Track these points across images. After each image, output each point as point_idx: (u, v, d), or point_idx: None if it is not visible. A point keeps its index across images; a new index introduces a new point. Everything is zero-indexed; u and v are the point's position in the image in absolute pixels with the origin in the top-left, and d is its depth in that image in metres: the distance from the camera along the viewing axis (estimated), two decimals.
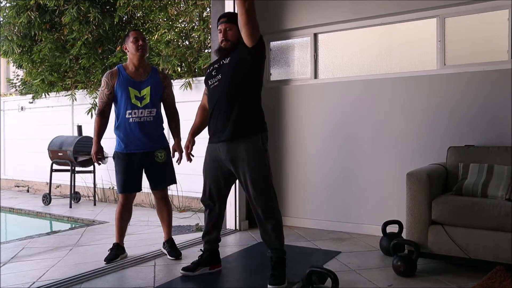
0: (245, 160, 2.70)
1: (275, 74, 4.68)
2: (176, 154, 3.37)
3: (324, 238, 3.95)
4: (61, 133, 6.99)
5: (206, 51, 5.98)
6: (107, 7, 6.72)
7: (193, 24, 6.25)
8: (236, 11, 2.72)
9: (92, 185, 6.45)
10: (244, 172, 2.72)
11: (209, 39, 5.66)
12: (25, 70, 7.90)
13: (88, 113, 6.70)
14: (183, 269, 2.98)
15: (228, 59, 2.78)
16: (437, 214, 2.94)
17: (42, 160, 7.13)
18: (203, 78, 3.28)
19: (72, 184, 6.27)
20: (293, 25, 4.44)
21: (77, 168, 6.30)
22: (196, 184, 4.71)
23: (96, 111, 3.40)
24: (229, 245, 3.77)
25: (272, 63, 4.68)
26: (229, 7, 4.17)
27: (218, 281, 2.92)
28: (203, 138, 3.03)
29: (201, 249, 3.07)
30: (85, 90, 7.01)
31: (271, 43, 4.66)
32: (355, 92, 4.15)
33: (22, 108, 8.20)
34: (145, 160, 3.32)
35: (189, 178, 5.14)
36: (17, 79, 8.48)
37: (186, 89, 5.76)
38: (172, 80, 5.04)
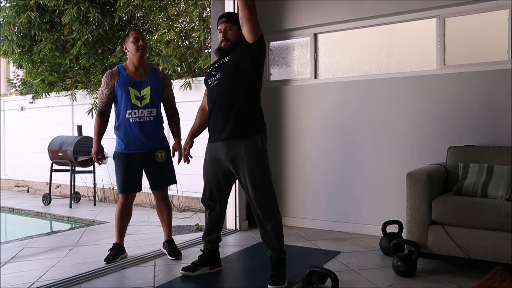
0: (245, 160, 2.70)
1: (275, 74, 4.68)
2: (176, 154, 3.36)
3: (324, 238, 3.95)
4: (61, 133, 6.99)
5: (206, 51, 5.98)
6: (107, 7, 6.72)
7: (193, 24, 6.25)
8: (237, 9, 2.72)
9: (92, 185, 6.45)
10: (244, 172, 2.72)
11: (209, 39, 5.66)
12: (25, 70, 7.91)
13: (88, 113, 6.71)
14: (183, 269, 2.98)
15: (228, 58, 2.79)
16: (437, 214, 2.94)
17: (42, 160, 7.13)
18: (203, 78, 3.28)
19: (72, 184, 6.28)
20: (293, 25, 4.44)
21: (77, 168, 6.30)
22: (196, 184, 4.71)
23: (96, 111, 3.40)
24: (229, 245, 3.77)
25: (272, 63, 4.68)
26: (229, 7, 4.17)
27: (218, 281, 2.92)
28: (203, 138, 3.03)
29: (201, 249, 3.07)
30: (85, 90, 7.01)
31: (271, 43, 4.66)
32: (355, 92, 4.15)
33: (22, 108, 8.21)
34: (145, 160, 3.32)
35: (189, 178, 5.14)
36: (17, 79, 8.48)
37: (186, 89, 5.76)
38: (172, 80, 5.04)
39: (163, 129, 3.42)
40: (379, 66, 4.11)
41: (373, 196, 4.04)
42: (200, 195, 3.03)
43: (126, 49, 3.34)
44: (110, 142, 3.56)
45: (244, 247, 3.71)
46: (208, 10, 6.06)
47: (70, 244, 4.00)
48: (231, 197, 4.13)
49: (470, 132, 3.60)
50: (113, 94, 3.28)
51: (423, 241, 2.96)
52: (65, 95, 7.27)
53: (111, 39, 6.91)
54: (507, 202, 2.80)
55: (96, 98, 6.52)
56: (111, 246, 3.41)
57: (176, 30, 6.20)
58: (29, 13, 6.88)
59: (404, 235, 3.18)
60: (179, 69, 6.12)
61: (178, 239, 3.80)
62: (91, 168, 6.36)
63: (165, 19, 6.50)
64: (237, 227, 4.28)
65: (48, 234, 4.55)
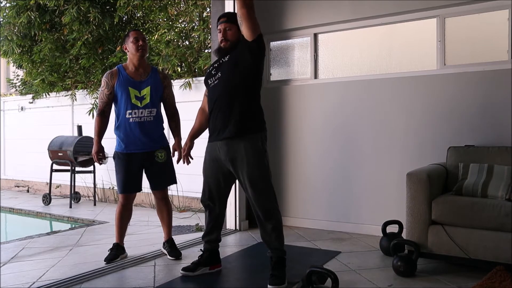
0: (245, 160, 2.70)
1: (275, 74, 4.68)
2: (176, 154, 3.36)
3: (324, 238, 3.95)
4: (61, 133, 6.99)
5: (206, 51, 5.98)
6: (107, 7, 6.72)
7: (193, 24, 6.25)
8: (235, 9, 2.73)
9: (92, 185, 6.45)
10: (244, 172, 2.72)
11: (209, 39, 5.66)
12: (25, 70, 7.91)
13: (89, 114, 6.71)
14: (183, 269, 2.98)
15: (227, 57, 2.79)
16: (437, 214, 2.94)
17: (42, 160, 7.13)
18: (203, 78, 3.28)
19: (72, 184, 6.28)
20: (293, 25, 4.44)
21: (77, 168, 6.30)
22: (196, 184, 4.71)
23: (96, 111, 3.40)
24: (229, 245, 3.77)
25: (272, 63, 4.68)
26: (229, 7, 4.17)
27: (218, 281, 2.92)
28: (203, 138, 3.03)
29: (201, 249, 3.07)
30: (85, 90, 7.01)
31: (271, 43, 4.66)
32: (355, 92, 4.15)
33: (22, 108, 8.21)
34: (145, 160, 3.32)
35: (189, 178, 5.14)
36: (17, 79, 8.48)
37: (186, 89, 5.76)
38: (172, 80, 5.04)
39: (163, 129, 3.42)
40: (379, 66, 4.11)
41: (373, 196, 4.04)
42: (200, 195, 3.03)
43: (126, 49, 3.34)
44: (110, 142, 3.56)
45: (244, 247, 3.71)
46: (208, 10, 6.06)
47: (70, 244, 4.00)
48: (231, 197, 4.13)
49: (470, 132, 3.60)
50: (113, 94, 3.28)
51: (423, 241, 2.96)
52: (65, 95, 7.28)
53: (111, 39, 6.91)
54: (507, 202, 2.80)
55: (96, 98, 6.52)
56: (111, 246, 3.41)
57: (176, 30, 6.20)
58: (29, 13, 6.89)
59: (404, 235, 3.18)
60: (179, 69, 6.12)
61: (178, 239, 3.80)
62: (91, 168, 6.36)
63: (165, 19, 6.50)
64: (237, 227, 4.28)
65: (48, 234, 4.55)
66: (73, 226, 5.17)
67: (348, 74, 4.25)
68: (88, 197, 6.80)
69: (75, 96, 7.14)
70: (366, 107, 4.09)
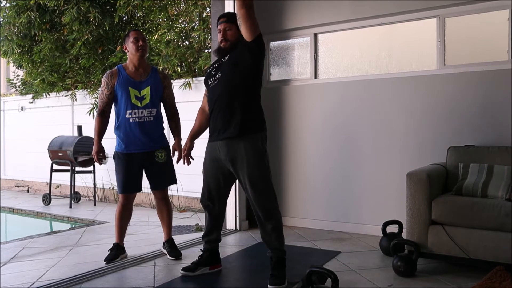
0: (245, 160, 2.70)
1: (275, 74, 4.68)
2: (176, 154, 3.36)
3: (324, 238, 3.95)
4: (61, 133, 6.99)
5: (206, 51, 5.98)
6: (107, 7, 6.72)
7: (193, 24, 6.25)
8: (235, 9, 2.73)
9: (92, 185, 6.45)
10: (244, 172, 2.72)
11: (209, 39, 5.66)
12: (25, 70, 7.91)
13: (89, 113, 6.71)
14: (183, 269, 2.98)
15: (227, 58, 2.79)
16: (437, 214, 2.94)
17: (42, 160, 7.13)
18: (203, 78, 3.28)
19: (72, 184, 6.27)
20: (293, 25, 4.44)
21: (77, 168, 6.30)
22: (196, 184, 4.70)
23: (96, 111, 3.40)
24: (229, 245, 3.77)
25: (272, 63, 4.68)
26: (229, 7, 4.17)
27: (218, 281, 2.92)
28: (203, 138, 3.03)
29: (201, 249, 3.07)
30: (85, 90, 7.01)
31: (271, 43, 4.66)
32: (355, 92, 4.15)
33: (22, 108, 8.21)
34: (145, 160, 3.32)
35: (189, 178, 5.13)
36: (17, 79, 8.48)
37: (186, 89, 5.76)
38: (172, 80, 5.04)
39: (163, 129, 3.42)
40: (379, 66, 4.11)
41: (373, 196, 4.04)
42: (200, 195, 3.03)
43: (126, 49, 3.34)
44: (110, 142, 3.56)
45: (244, 247, 3.71)
46: (208, 10, 6.06)
47: (70, 244, 4.00)
48: (231, 197, 4.14)
49: (470, 132, 3.60)
50: (113, 94, 3.28)
51: (423, 241, 2.96)
52: (65, 95, 7.27)
53: (111, 39, 6.91)
54: (507, 202, 2.80)
55: (96, 98, 6.51)
56: (111, 246, 3.41)
57: (176, 30, 6.20)
58: (29, 13, 6.88)
59: (404, 235, 3.18)
60: (179, 69, 6.12)
61: (178, 239, 3.80)
62: (91, 168, 6.36)
63: (165, 19, 6.50)
64: (237, 227, 4.28)
65: (48, 234, 4.55)
66: (73, 226, 5.17)
67: (348, 74, 4.25)
68: (88, 197, 6.81)
69: (75, 96, 7.14)
70: (366, 107, 4.09)
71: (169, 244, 3.45)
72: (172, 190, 5.36)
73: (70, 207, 6.13)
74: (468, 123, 3.62)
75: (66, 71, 7.30)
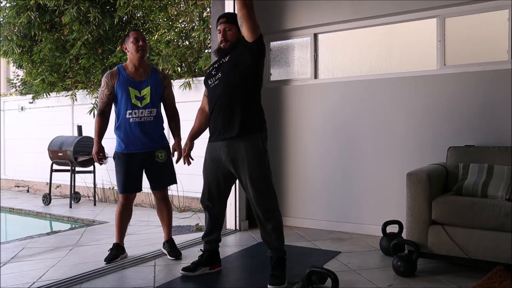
0: (245, 160, 2.70)
1: (275, 74, 4.68)
2: (176, 154, 3.36)
3: (324, 238, 3.95)
4: (61, 133, 6.99)
5: (206, 51, 5.98)
6: (107, 7, 6.72)
7: (193, 24, 6.25)
8: (235, 10, 2.73)
9: (92, 185, 6.45)
10: (244, 172, 2.72)
11: (209, 39, 5.66)
12: (25, 70, 7.91)
13: (90, 113, 6.71)
14: (183, 269, 2.98)
15: (227, 58, 2.79)
16: (437, 214, 2.94)
17: (42, 160, 7.13)
18: (203, 78, 3.28)
19: (72, 184, 6.28)
20: (293, 25, 4.44)
21: (77, 168, 6.30)
22: (196, 184, 4.71)
23: (96, 111, 3.40)
24: (229, 245, 3.77)
25: (272, 63, 4.68)
26: (229, 7, 4.17)
27: (218, 281, 2.92)
28: (203, 138, 3.03)
29: (201, 249, 3.07)
30: (85, 90, 7.01)
31: (271, 43, 4.66)
32: (355, 92, 4.15)
33: (22, 108, 8.21)
34: (146, 160, 3.32)
35: (189, 178, 5.14)
36: (17, 79, 8.48)
37: (186, 89, 5.76)
38: (172, 80, 5.04)
39: (163, 129, 3.42)
40: (379, 66, 4.11)
41: (373, 196, 4.04)
42: (200, 195, 3.03)
43: (126, 49, 3.34)
44: (110, 142, 3.56)
45: (244, 247, 3.71)
46: (208, 10, 6.06)
47: (70, 244, 4.00)
48: (231, 197, 4.14)
49: (470, 132, 3.60)
50: (113, 94, 3.28)
51: (423, 241, 2.96)
52: (65, 95, 7.28)
53: (111, 39, 6.91)
54: (507, 202, 2.80)
55: (96, 98, 6.52)
56: (111, 246, 3.41)
57: (176, 30, 6.20)
58: (29, 13, 6.89)
59: (404, 235, 3.18)
60: (179, 69, 6.12)
61: (178, 239, 3.80)
62: (91, 168, 6.36)
63: (165, 19, 6.50)
64: (237, 227, 4.28)
65: (48, 234, 4.55)
66: (73, 226, 5.17)
67: (348, 74, 4.25)
68: (88, 197, 6.81)
69: (75, 96, 7.14)
70: (366, 107, 4.09)
71: (169, 244, 3.45)
72: (172, 190, 5.36)
73: (70, 207, 6.13)
74: (468, 123, 3.62)
75: (66, 71, 7.30)
